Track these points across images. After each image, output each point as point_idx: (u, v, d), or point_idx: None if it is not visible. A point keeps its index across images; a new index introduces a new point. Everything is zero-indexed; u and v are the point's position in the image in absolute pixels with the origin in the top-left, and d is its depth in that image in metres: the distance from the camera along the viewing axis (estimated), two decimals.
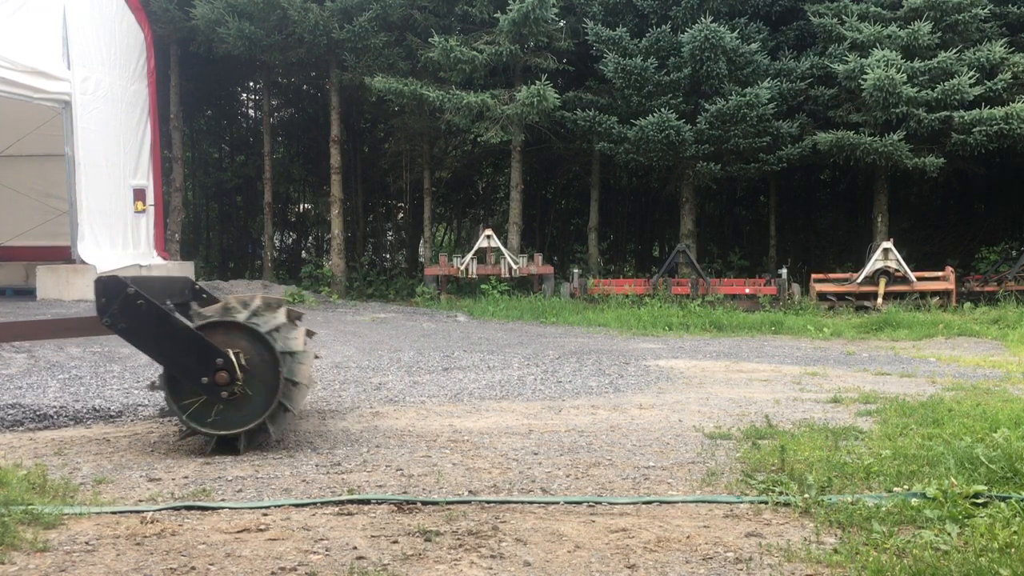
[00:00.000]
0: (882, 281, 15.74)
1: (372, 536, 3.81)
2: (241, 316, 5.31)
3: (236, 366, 5.14)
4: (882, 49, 16.60)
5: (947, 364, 9.47)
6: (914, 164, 16.76)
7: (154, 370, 8.55)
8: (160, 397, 7.19)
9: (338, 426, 6.17)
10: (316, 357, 6.18)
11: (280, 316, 5.52)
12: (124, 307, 5.14)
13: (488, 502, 4.30)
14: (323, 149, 22.19)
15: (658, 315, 14.03)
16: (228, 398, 5.17)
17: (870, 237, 18.05)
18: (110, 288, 5.17)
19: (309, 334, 6.33)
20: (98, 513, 4.11)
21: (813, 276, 17.08)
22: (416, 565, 3.47)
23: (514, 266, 17.68)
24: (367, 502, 4.29)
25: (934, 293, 15.60)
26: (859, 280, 16.00)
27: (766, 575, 3.37)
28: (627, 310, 14.77)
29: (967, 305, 15.36)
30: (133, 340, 5.34)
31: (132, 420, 6.40)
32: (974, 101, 16.58)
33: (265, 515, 4.10)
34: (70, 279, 16.52)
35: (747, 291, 16.13)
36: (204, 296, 6.45)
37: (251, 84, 25.93)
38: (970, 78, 16.33)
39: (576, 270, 17.72)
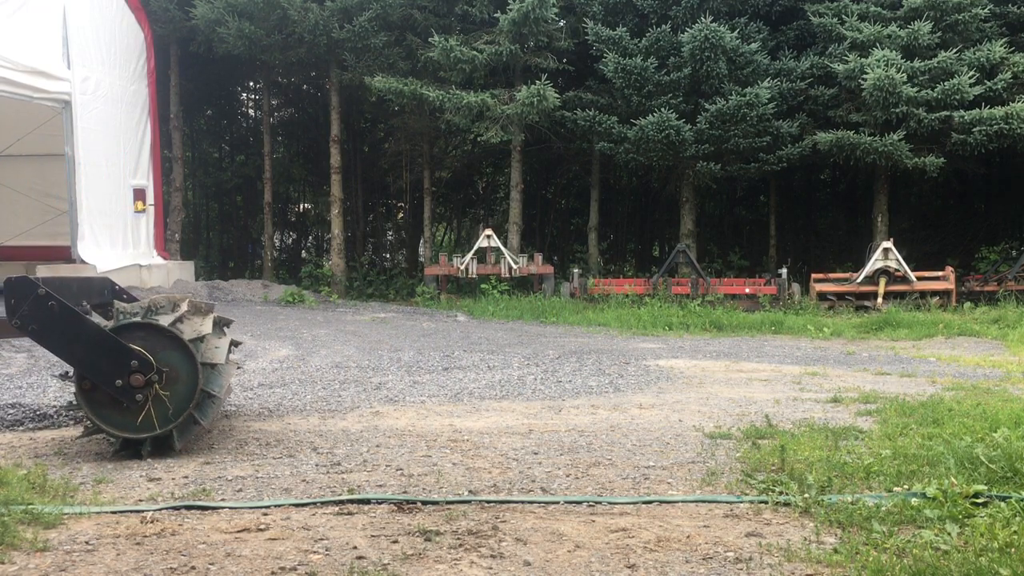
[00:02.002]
0: (882, 281, 15.74)
1: (372, 536, 3.81)
2: (165, 319, 5.18)
3: (153, 369, 5.03)
4: (882, 49, 16.60)
5: (947, 364, 9.46)
6: (914, 164, 16.76)
7: None
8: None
9: (338, 426, 6.17)
10: (238, 367, 6.05)
11: (207, 323, 5.38)
12: (35, 308, 4.98)
13: (488, 502, 4.30)
14: (323, 149, 22.18)
15: (658, 315, 14.03)
16: (141, 402, 5.05)
17: (870, 237, 18.05)
18: (19, 289, 5.01)
19: (235, 344, 6.26)
20: (98, 513, 4.11)
21: (813, 276, 17.07)
22: (416, 565, 3.47)
23: (514, 266, 17.68)
24: (367, 502, 4.29)
25: (934, 293, 15.60)
26: (859, 280, 16.00)
27: (766, 575, 3.37)
28: (627, 310, 14.77)
29: (967, 305, 15.36)
30: (44, 342, 5.19)
31: None
32: (974, 101, 16.58)
33: (265, 515, 4.10)
34: None
35: (747, 291, 16.13)
36: (125, 297, 6.31)
37: (251, 84, 25.93)
38: (970, 78, 16.33)
39: (576, 270, 17.72)
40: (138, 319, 5.14)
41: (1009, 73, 16.68)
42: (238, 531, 3.86)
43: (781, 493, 4.31)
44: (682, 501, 4.30)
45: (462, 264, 17.76)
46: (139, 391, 5.04)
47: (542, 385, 7.98)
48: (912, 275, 15.83)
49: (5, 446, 5.55)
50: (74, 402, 5.26)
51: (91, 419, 5.14)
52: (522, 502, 4.29)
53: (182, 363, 5.13)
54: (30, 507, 4.02)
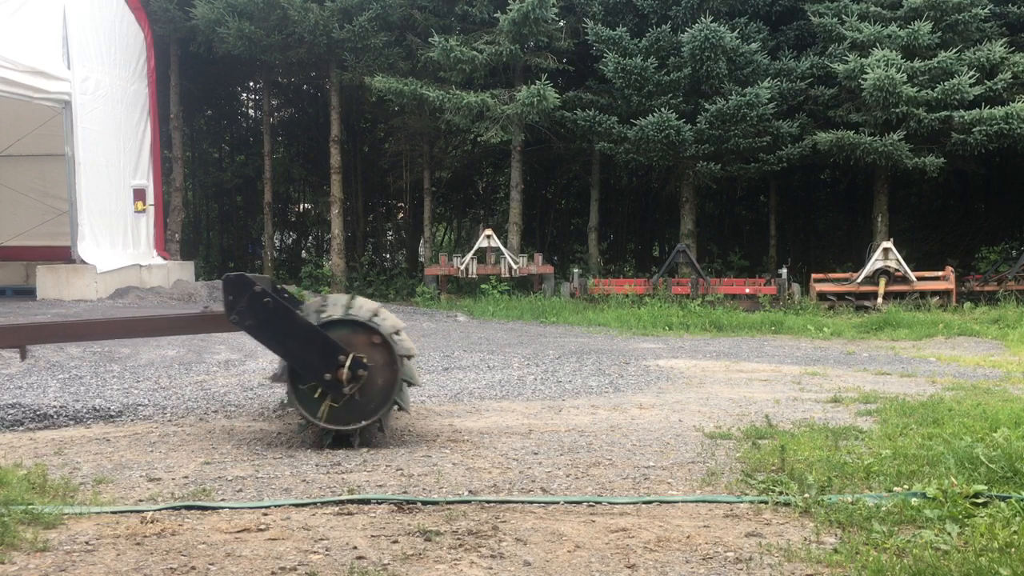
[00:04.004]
0: (882, 281, 15.74)
1: (372, 536, 3.81)
2: (365, 315, 5.42)
3: (360, 364, 5.26)
4: (882, 49, 16.59)
5: (947, 364, 9.46)
6: (914, 164, 16.75)
7: (154, 370, 8.56)
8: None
9: None
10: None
11: (393, 316, 5.65)
12: (251, 305, 5.26)
13: (488, 502, 4.30)
14: (323, 149, 22.18)
15: (658, 315, 14.03)
16: (348, 395, 5.27)
17: (870, 237, 18.05)
18: (237, 286, 5.29)
19: None
20: (98, 513, 4.11)
21: (813, 276, 17.07)
22: (416, 565, 3.47)
23: (514, 266, 17.68)
24: (367, 502, 4.29)
25: (934, 293, 15.60)
26: (859, 280, 16.00)
27: (766, 575, 3.37)
28: (627, 310, 14.77)
29: (967, 305, 15.36)
30: (259, 337, 5.45)
31: (132, 420, 6.40)
32: (974, 101, 16.57)
33: (265, 515, 4.10)
34: (70, 279, 16.53)
35: (747, 291, 16.13)
36: (285, 295, 6.53)
37: (251, 84, 25.93)
38: (970, 78, 16.32)
39: (576, 270, 17.72)
40: (340, 315, 5.37)
41: (1009, 73, 16.67)
42: (238, 531, 3.86)
43: (781, 493, 4.31)
44: (682, 501, 4.30)
45: (462, 264, 17.75)
46: (346, 384, 5.23)
47: (542, 385, 7.98)
48: (912, 275, 15.82)
49: (5, 446, 5.55)
50: (285, 400, 5.51)
51: (303, 414, 5.35)
52: (522, 502, 4.29)
53: (382, 355, 5.36)
54: (30, 507, 4.02)
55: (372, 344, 5.34)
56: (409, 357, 5.51)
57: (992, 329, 12.58)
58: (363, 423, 5.37)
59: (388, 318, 5.51)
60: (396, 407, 5.48)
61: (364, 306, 5.54)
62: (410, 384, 5.57)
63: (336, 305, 5.51)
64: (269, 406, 6.88)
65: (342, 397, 5.26)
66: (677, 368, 9.12)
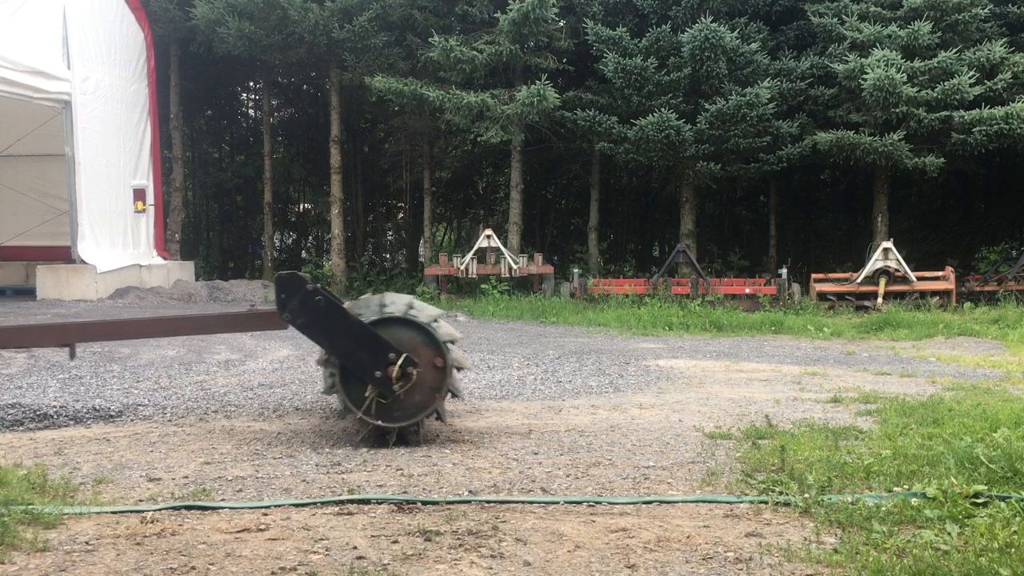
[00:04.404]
0: (882, 281, 15.73)
1: (372, 536, 3.81)
2: (423, 317, 5.49)
3: (410, 361, 5.32)
4: (882, 49, 16.59)
5: (947, 364, 9.46)
6: (914, 164, 16.75)
7: (154, 370, 8.56)
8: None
9: (338, 426, 6.17)
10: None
11: (430, 307, 5.73)
12: (303, 303, 5.32)
13: (488, 502, 4.30)
14: (323, 149, 22.19)
15: (658, 315, 14.03)
16: (399, 392, 5.34)
17: (870, 237, 18.05)
18: (289, 284, 5.36)
19: None
20: (98, 513, 4.11)
21: (813, 276, 17.06)
22: (416, 565, 3.47)
23: (514, 266, 17.68)
24: (367, 502, 4.29)
25: (934, 293, 15.59)
26: (859, 280, 15.99)
27: (766, 575, 3.37)
28: (627, 310, 14.76)
29: (967, 305, 15.35)
30: (311, 334, 5.50)
31: (132, 420, 6.40)
32: (974, 101, 16.57)
33: (265, 515, 4.10)
34: (70, 279, 16.54)
35: (747, 291, 16.12)
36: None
37: (251, 84, 25.94)
38: (970, 78, 16.32)
39: (576, 270, 17.72)
40: (398, 315, 5.45)
41: (1009, 73, 16.67)
42: (238, 531, 3.86)
43: (781, 493, 4.31)
44: (682, 501, 4.30)
45: (462, 264, 17.75)
46: (395, 382, 5.31)
47: (542, 385, 7.98)
48: (912, 275, 15.82)
49: (5, 446, 5.54)
50: (342, 409, 5.58)
51: (352, 411, 5.42)
52: (522, 502, 4.29)
53: (431, 357, 5.43)
54: (30, 507, 4.02)
55: (425, 348, 5.43)
56: (459, 368, 5.64)
57: (992, 329, 12.58)
58: (405, 423, 5.46)
59: (443, 325, 5.61)
60: (435, 416, 5.58)
61: (424, 310, 5.64)
62: (454, 395, 5.69)
63: (395, 304, 5.58)
64: (269, 406, 6.89)
65: (391, 395, 5.35)
66: (677, 368, 9.12)
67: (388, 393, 5.34)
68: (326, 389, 5.74)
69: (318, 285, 5.45)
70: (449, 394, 5.57)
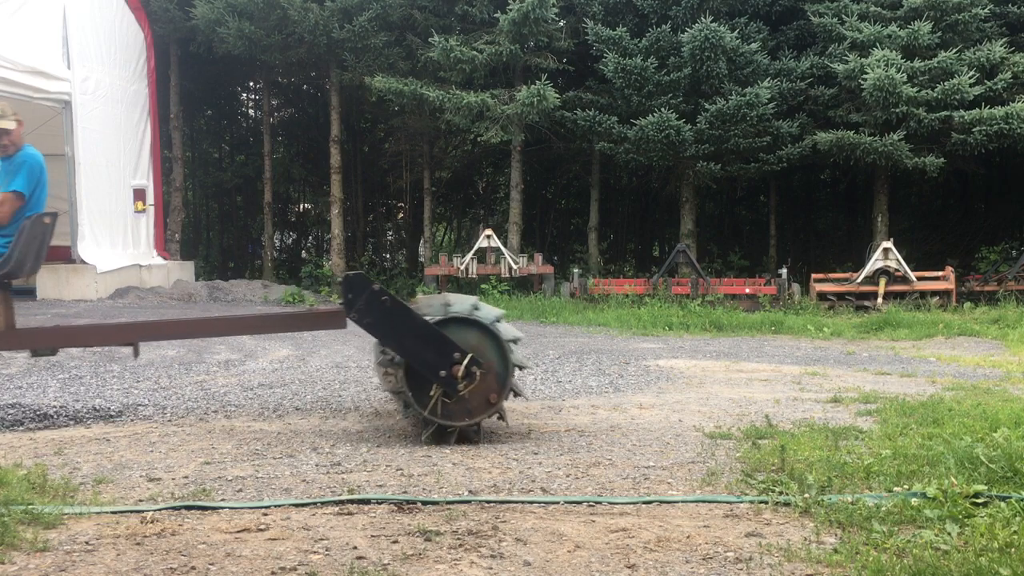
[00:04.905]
0: (882, 281, 15.74)
1: (372, 536, 3.81)
2: (487, 317, 5.57)
3: (475, 360, 5.40)
4: (882, 49, 16.59)
5: (947, 364, 9.46)
6: (914, 164, 16.75)
7: (154, 370, 8.56)
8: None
9: (338, 426, 6.17)
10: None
11: (493, 308, 5.82)
12: (370, 303, 5.42)
13: (488, 502, 4.29)
14: (323, 149, 22.19)
15: (658, 315, 14.03)
16: (464, 391, 5.42)
17: (870, 237, 18.05)
18: (356, 285, 5.48)
19: None
20: (98, 513, 4.11)
21: (813, 276, 17.07)
22: (416, 565, 3.47)
23: (514, 266, 17.68)
24: (367, 502, 4.29)
25: (934, 293, 15.60)
26: (859, 280, 16.00)
27: (766, 575, 3.37)
28: (627, 310, 14.76)
29: (967, 305, 15.36)
30: (377, 334, 5.57)
31: (132, 420, 6.40)
32: (974, 101, 16.57)
33: (265, 515, 4.10)
34: (70, 279, 16.53)
35: (747, 291, 16.12)
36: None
37: (251, 84, 25.94)
38: (970, 78, 16.32)
39: (576, 270, 17.72)
40: (462, 315, 5.53)
41: (1009, 73, 16.67)
42: (238, 531, 3.86)
43: (781, 493, 4.31)
44: (682, 501, 4.30)
45: (462, 264, 17.75)
46: (460, 381, 5.38)
47: (542, 385, 7.98)
48: (912, 275, 15.82)
49: (5, 446, 5.54)
50: (407, 409, 5.63)
51: (417, 410, 5.49)
52: (522, 502, 4.29)
53: (494, 358, 5.51)
54: (30, 507, 4.02)
55: (488, 348, 5.50)
56: (521, 368, 5.73)
57: (992, 329, 12.58)
58: (468, 421, 5.53)
59: (505, 325, 5.70)
60: (497, 416, 5.64)
61: (487, 310, 5.72)
62: (516, 395, 5.77)
63: (459, 305, 5.66)
64: (269, 406, 6.89)
65: (455, 394, 5.42)
66: (677, 368, 9.12)
67: (453, 392, 5.42)
68: (388, 388, 5.82)
69: (382, 287, 5.57)
70: (512, 393, 5.64)
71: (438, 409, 5.48)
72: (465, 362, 5.37)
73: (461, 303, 5.68)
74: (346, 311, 5.53)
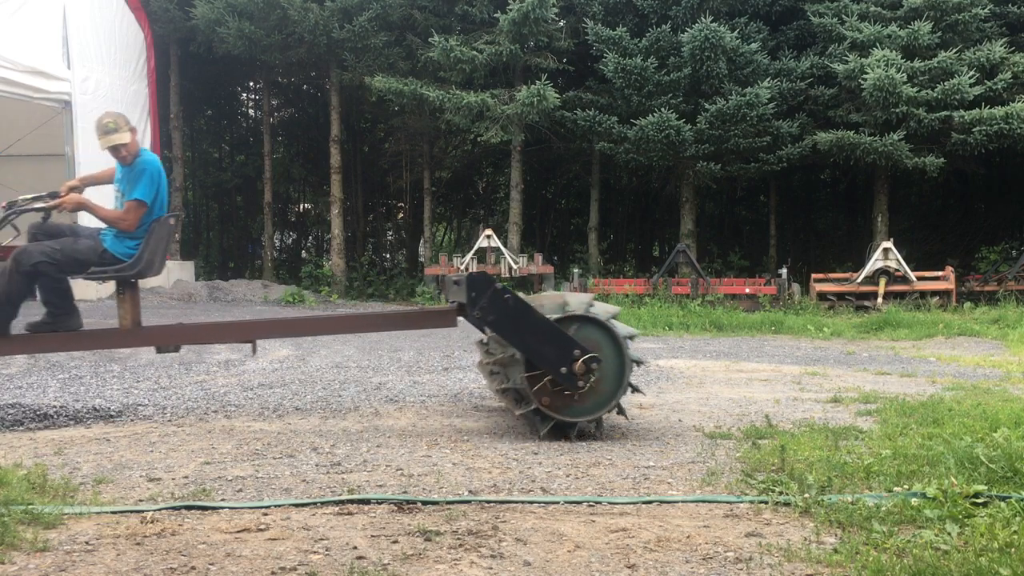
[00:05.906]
0: (882, 281, 15.74)
1: (372, 536, 3.81)
2: (580, 308, 5.65)
3: (595, 357, 5.46)
4: (882, 49, 16.60)
5: (947, 364, 9.46)
6: (914, 164, 16.76)
7: (154, 370, 8.56)
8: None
9: (338, 426, 6.17)
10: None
11: (609, 305, 5.90)
12: (493, 301, 5.56)
13: (488, 502, 4.29)
14: (323, 149, 22.20)
15: (658, 315, 14.03)
16: (584, 387, 5.48)
17: (870, 237, 18.06)
18: (479, 284, 5.62)
19: None
20: (98, 513, 4.10)
21: (813, 276, 17.07)
22: (416, 565, 3.47)
23: (514, 266, 17.68)
24: (367, 502, 4.29)
25: (934, 293, 15.60)
26: (859, 280, 16.00)
27: (766, 575, 3.37)
28: (627, 310, 14.77)
29: (967, 305, 15.36)
30: (499, 331, 5.67)
31: (132, 420, 6.40)
32: (974, 101, 16.58)
33: (265, 515, 4.10)
34: None
35: (747, 291, 16.13)
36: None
37: (251, 84, 25.96)
38: (970, 78, 16.33)
39: (576, 270, 17.72)
40: (580, 312, 5.62)
41: (1009, 73, 16.68)
42: (238, 531, 3.86)
43: (781, 493, 4.31)
44: (682, 501, 4.30)
45: (462, 264, 17.75)
46: (580, 378, 5.44)
47: None
48: (912, 275, 15.83)
49: (5, 446, 5.54)
50: (522, 391, 5.68)
51: (538, 406, 5.56)
52: (522, 502, 4.29)
53: (610, 355, 5.59)
54: (30, 507, 4.02)
55: (605, 345, 5.59)
56: (638, 364, 5.83)
57: (992, 329, 12.58)
58: (587, 417, 5.61)
59: (620, 323, 5.76)
60: (616, 411, 5.71)
61: (603, 307, 5.78)
62: (634, 391, 5.84)
63: (577, 302, 5.74)
64: (269, 406, 6.89)
65: (576, 390, 5.49)
66: (677, 368, 9.12)
67: (574, 388, 5.48)
68: (496, 387, 5.92)
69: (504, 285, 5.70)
70: (628, 389, 5.70)
71: (558, 405, 5.55)
72: (585, 358, 5.43)
73: (578, 301, 5.77)
74: (469, 309, 5.67)
